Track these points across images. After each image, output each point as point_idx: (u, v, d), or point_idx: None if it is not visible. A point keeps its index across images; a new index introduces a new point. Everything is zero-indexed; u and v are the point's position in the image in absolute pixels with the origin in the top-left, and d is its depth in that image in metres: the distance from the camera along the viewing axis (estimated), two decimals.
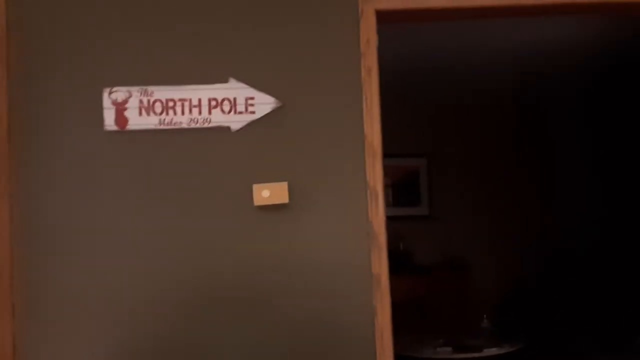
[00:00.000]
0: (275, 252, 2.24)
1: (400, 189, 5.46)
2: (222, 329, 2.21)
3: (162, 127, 2.23)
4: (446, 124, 5.58)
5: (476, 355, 4.04)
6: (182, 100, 2.23)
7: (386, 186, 2.34)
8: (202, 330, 2.21)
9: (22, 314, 2.19)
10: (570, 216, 5.52)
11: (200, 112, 2.23)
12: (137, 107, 2.22)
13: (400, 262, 5.10)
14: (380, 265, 2.25)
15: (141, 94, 2.23)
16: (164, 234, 2.23)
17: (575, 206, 5.54)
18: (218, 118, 2.24)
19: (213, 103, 2.24)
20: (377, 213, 2.26)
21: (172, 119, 2.22)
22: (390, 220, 2.35)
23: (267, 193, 2.22)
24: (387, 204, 2.35)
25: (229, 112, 2.24)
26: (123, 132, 2.23)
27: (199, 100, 2.23)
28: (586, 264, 5.32)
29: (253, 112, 2.25)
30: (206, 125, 2.24)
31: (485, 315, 4.57)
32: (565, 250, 5.40)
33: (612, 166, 5.57)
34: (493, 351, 4.08)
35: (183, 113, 2.23)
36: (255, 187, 2.23)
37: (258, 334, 2.22)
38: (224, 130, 2.25)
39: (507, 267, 5.44)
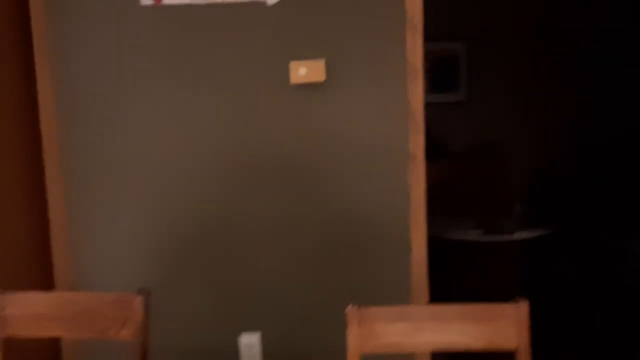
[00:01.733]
0: (311, 130, 2.25)
1: (437, 74, 5.34)
2: (256, 206, 2.27)
3: (197, 1, 2.18)
4: (488, 9, 5.35)
5: (507, 237, 4.06)
6: None
7: (424, 71, 2.27)
8: (237, 206, 2.27)
9: (72, 181, 2.27)
10: (603, 106, 5.37)
11: None
12: None
13: (435, 148, 5.09)
14: (417, 143, 2.25)
15: None
16: (200, 111, 2.24)
17: (611, 96, 5.38)
18: None
19: None
20: (416, 91, 2.22)
21: None
22: (426, 106, 2.31)
23: (303, 71, 2.20)
24: (425, 90, 2.30)
25: None
26: (159, 7, 2.20)
27: None
28: (617, 156, 5.24)
29: None
30: None
31: (517, 201, 4.58)
32: (598, 140, 5.32)
33: None
34: (525, 234, 4.09)
35: None
36: (292, 64, 2.20)
37: (293, 209, 2.27)
38: (259, 4, 2.20)
39: (540, 155, 5.40)
